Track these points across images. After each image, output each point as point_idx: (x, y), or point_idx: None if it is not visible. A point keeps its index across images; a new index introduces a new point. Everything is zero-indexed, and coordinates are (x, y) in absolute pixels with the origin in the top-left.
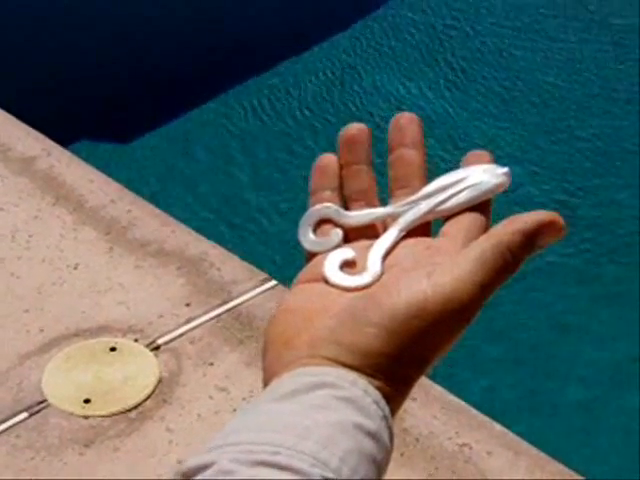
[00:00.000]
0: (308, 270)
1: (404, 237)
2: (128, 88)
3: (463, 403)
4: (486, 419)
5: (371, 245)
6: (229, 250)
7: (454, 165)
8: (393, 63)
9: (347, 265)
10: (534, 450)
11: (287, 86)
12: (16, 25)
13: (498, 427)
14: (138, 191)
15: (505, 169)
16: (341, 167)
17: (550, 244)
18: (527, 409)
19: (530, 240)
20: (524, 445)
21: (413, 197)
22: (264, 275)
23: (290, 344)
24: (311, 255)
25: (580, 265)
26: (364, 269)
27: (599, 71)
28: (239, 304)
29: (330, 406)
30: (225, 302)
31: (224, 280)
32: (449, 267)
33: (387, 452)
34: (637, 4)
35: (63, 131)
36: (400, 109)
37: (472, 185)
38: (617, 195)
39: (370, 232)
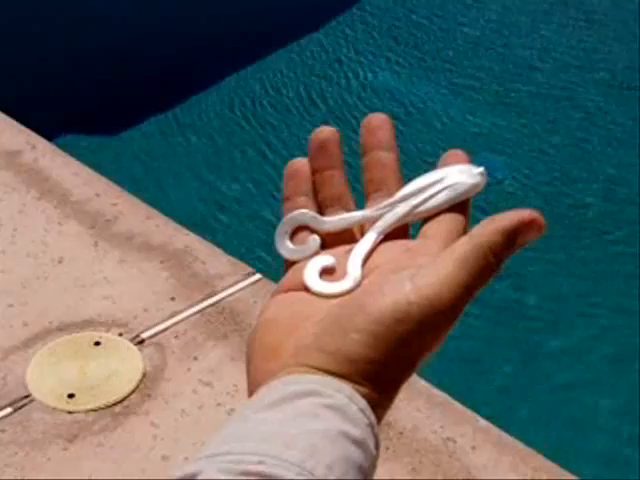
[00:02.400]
0: (288, 279)
1: (382, 240)
2: (113, 82)
3: (448, 397)
4: (470, 413)
5: (350, 250)
6: (214, 244)
7: (437, 161)
8: (377, 56)
9: (327, 272)
10: (518, 444)
11: (272, 81)
12: (0, 22)
13: (483, 421)
14: (123, 185)
15: (481, 169)
16: (313, 172)
17: (531, 242)
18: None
19: (511, 239)
20: (508, 439)
21: (390, 200)
22: (249, 269)
23: (274, 353)
24: (290, 263)
25: None
26: (345, 275)
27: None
28: (223, 298)
29: (316, 414)
30: (209, 296)
31: (209, 274)
32: (431, 270)
33: (373, 459)
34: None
35: (48, 125)
36: (384, 102)
37: (449, 186)
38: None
39: (347, 237)
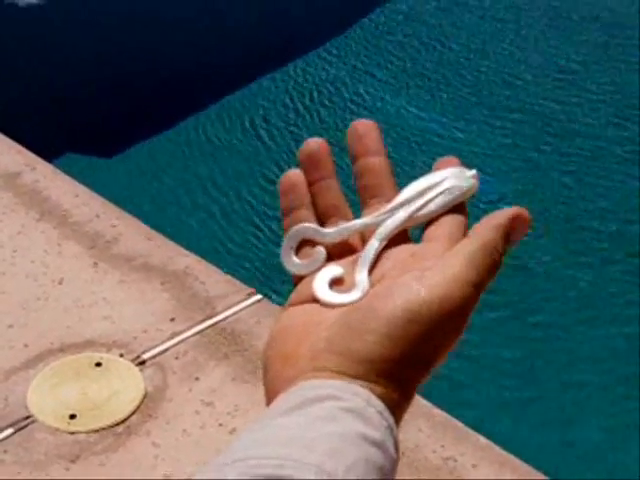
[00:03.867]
0: (298, 292)
1: (385, 246)
2: (112, 103)
3: (448, 416)
4: (471, 432)
5: (356, 259)
6: (214, 264)
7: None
8: (372, 75)
9: (336, 282)
10: (519, 462)
11: (271, 100)
12: (0, 41)
13: (483, 440)
14: (122, 206)
15: (473, 171)
16: (308, 184)
17: (520, 238)
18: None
19: (508, 235)
20: (509, 458)
21: (389, 206)
22: (249, 289)
23: (290, 360)
24: (298, 277)
25: None
26: (353, 285)
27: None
28: (224, 318)
29: (335, 417)
30: (210, 317)
31: (209, 294)
32: (439, 270)
33: (393, 462)
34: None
35: (48, 146)
36: (379, 119)
37: (446, 189)
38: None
39: (350, 245)
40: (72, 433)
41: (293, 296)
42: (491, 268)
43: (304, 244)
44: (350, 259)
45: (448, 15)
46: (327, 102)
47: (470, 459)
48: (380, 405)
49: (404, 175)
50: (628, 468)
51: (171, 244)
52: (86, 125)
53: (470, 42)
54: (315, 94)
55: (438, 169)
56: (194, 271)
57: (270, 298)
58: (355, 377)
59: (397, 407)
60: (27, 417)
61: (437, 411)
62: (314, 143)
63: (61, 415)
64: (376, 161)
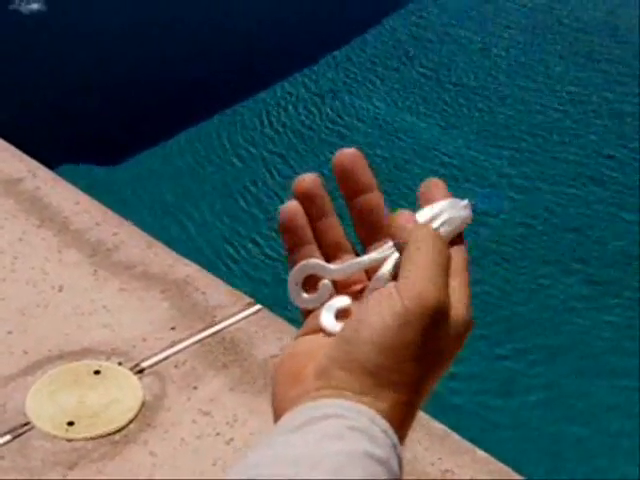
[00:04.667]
0: (307, 324)
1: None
2: (114, 112)
3: (447, 429)
4: (469, 445)
5: (361, 291)
6: (214, 274)
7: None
8: (370, 89)
9: (343, 313)
10: (516, 476)
11: (271, 109)
12: (2, 49)
13: (481, 453)
14: (123, 214)
15: (466, 201)
16: (308, 220)
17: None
18: None
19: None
20: (506, 470)
21: (392, 242)
22: (248, 299)
23: (296, 380)
24: (307, 310)
25: None
26: None
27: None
28: (223, 328)
29: (341, 436)
30: (209, 326)
31: (209, 304)
32: (411, 275)
33: (396, 479)
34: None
35: (49, 153)
36: (374, 132)
37: (445, 222)
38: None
39: (356, 277)
40: (70, 440)
41: (302, 329)
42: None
43: (310, 277)
44: (355, 289)
45: (448, 28)
46: (324, 109)
47: (468, 472)
48: (384, 424)
49: (400, 186)
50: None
51: (172, 253)
52: (88, 133)
53: (468, 57)
54: (314, 104)
55: (425, 194)
56: (194, 280)
57: (270, 308)
58: (360, 393)
59: (403, 422)
60: (25, 424)
61: (435, 424)
62: (309, 180)
63: (59, 422)
64: (371, 198)
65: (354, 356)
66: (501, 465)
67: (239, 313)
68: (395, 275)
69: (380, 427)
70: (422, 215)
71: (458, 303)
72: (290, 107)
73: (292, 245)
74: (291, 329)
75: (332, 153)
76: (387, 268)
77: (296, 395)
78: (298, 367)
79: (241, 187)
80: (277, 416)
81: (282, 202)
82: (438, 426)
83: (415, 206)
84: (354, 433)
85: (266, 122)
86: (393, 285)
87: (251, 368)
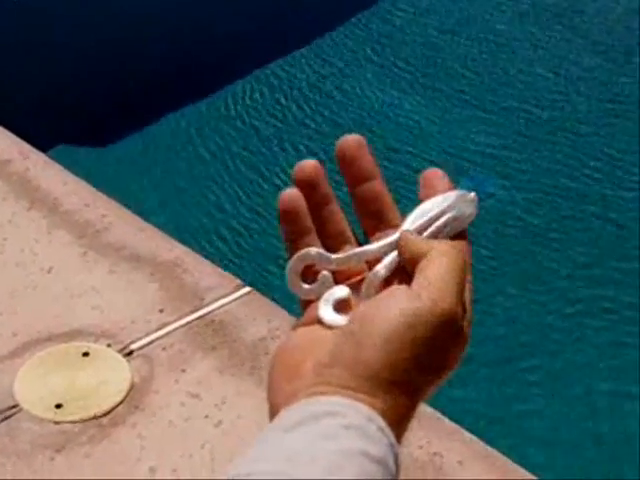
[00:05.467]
0: (306, 315)
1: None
2: (104, 94)
3: (435, 412)
4: (457, 428)
5: (361, 282)
6: (203, 256)
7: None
8: (371, 70)
9: (342, 303)
10: (505, 459)
11: (265, 92)
12: None
13: (469, 436)
14: (113, 196)
15: (472, 194)
16: (309, 208)
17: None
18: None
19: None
20: (495, 454)
21: (395, 235)
22: (238, 282)
23: (294, 374)
24: (306, 301)
25: None
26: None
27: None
28: (212, 310)
29: (337, 434)
30: (198, 308)
31: (198, 286)
32: (426, 279)
33: (393, 477)
34: None
35: (39, 134)
36: (373, 118)
37: (451, 217)
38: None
39: (356, 267)
40: (58, 423)
41: (301, 319)
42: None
43: (310, 267)
44: (355, 280)
45: (439, 14)
46: (318, 95)
47: (456, 455)
48: (381, 422)
49: (396, 172)
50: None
51: (161, 235)
52: (77, 115)
53: (462, 39)
54: (307, 88)
55: (428, 184)
56: (184, 262)
57: (259, 290)
58: (359, 391)
59: (400, 422)
60: (13, 406)
61: (423, 406)
62: (309, 166)
63: (47, 405)
64: (374, 186)
65: (358, 354)
66: (490, 449)
67: (228, 295)
68: (392, 271)
69: (377, 425)
70: (425, 208)
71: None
72: (281, 90)
73: (292, 234)
74: (281, 312)
75: (323, 136)
76: (384, 264)
77: (293, 389)
78: (296, 360)
79: (232, 168)
80: (272, 409)
81: (274, 183)
82: (426, 409)
83: (412, 192)
84: (350, 431)
85: (256, 104)
86: (407, 286)
87: (240, 350)
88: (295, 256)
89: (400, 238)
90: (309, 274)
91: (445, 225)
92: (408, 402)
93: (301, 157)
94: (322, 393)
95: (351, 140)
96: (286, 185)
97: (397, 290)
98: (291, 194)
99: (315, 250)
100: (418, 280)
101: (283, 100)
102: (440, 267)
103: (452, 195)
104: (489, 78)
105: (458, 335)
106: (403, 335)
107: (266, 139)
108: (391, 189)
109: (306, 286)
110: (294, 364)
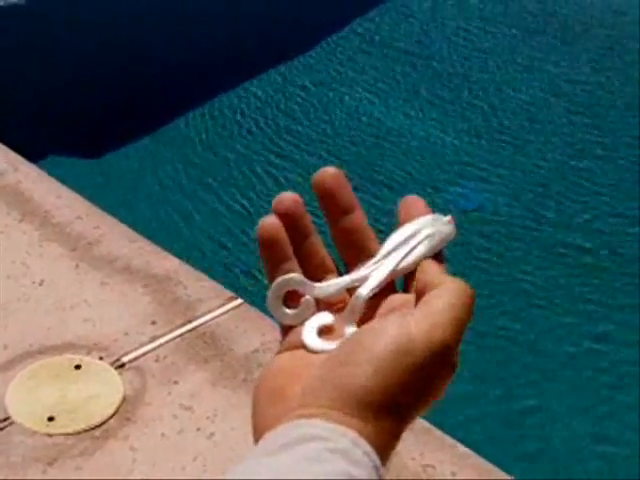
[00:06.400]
0: (289, 341)
1: (373, 297)
2: (96, 105)
3: (427, 424)
4: (450, 440)
5: (343, 308)
6: (195, 268)
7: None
8: (360, 83)
9: (325, 330)
10: (498, 471)
11: (256, 104)
12: None
13: (462, 448)
14: (105, 208)
15: (449, 217)
16: (289, 238)
17: None
18: None
19: None
20: (488, 466)
21: (374, 260)
22: (230, 294)
23: (279, 398)
24: (287, 326)
25: None
26: (342, 336)
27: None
28: (204, 323)
29: (320, 458)
30: (190, 321)
31: (190, 298)
32: (425, 308)
33: None
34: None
35: (31, 147)
36: (363, 127)
37: (427, 237)
38: None
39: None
40: (50, 435)
41: (283, 344)
42: (469, 307)
43: (292, 292)
44: (337, 307)
45: (433, 23)
46: (316, 102)
47: (449, 467)
48: (366, 446)
49: (385, 185)
50: None
51: (153, 247)
52: (70, 126)
53: (456, 51)
54: (303, 96)
55: (406, 210)
56: (176, 275)
57: (251, 303)
58: (347, 414)
59: (386, 446)
60: (5, 419)
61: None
62: (288, 200)
63: (39, 417)
64: (353, 218)
65: (346, 379)
66: (482, 460)
67: (220, 307)
68: (374, 292)
69: (362, 449)
70: (403, 231)
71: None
72: (275, 99)
73: (272, 261)
74: (273, 324)
75: (314, 146)
76: (368, 286)
77: (277, 413)
78: (281, 384)
79: (225, 181)
80: (256, 433)
81: (270, 193)
82: (418, 420)
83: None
84: (334, 455)
85: (250, 115)
86: (403, 314)
87: (232, 363)
88: (277, 281)
89: (420, 265)
90: (291, 299)
91: (417, 245)
92: (394, 427)
93: (295, 166)
94: (308, 416)
95: (329, 173)
96: (289, 185)
97: (391, 317)
98: (269, 222)
99: (298, 276)
100: (420, 309)
101: (276, 109)
102: (444, 301)
103: (426, 218)
104: (488, 94)
105: (448, 366)
106: (394, 362)
107: (265, 147)
108: (381, 198)
109: (288, 311)
110: (278, 388)
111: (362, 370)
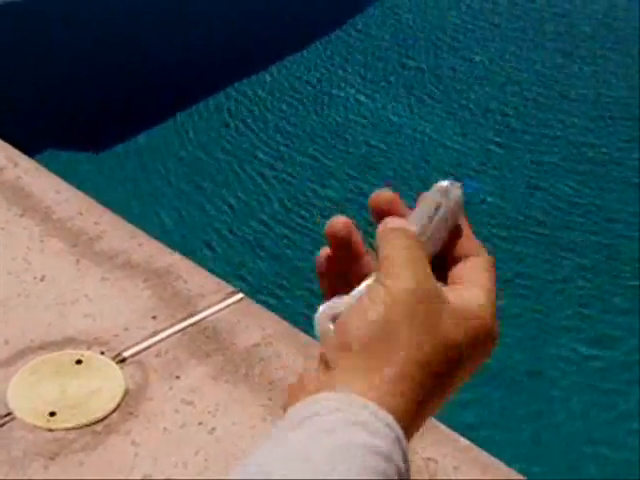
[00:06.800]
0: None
1: None
2: (96, 100)
3: (431, 418)
4: (452, 434)
5: None
6: (196, 263)
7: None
8: (360, 78)
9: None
10: (500, 465)
11: (259, 97)
12: None
13: (464, 442)
14: (106, 203)
15: (445, 183)
16: (341, 259)
17: None
18: None
19: None
20: (490, 460)
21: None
22: (231, 288)
23: (301, 387)
24: None
25: None
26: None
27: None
28: (205, 317)
29: (338, 429)
30: (191, 315)
31: (191, 293)
32: (385, 269)
33: (400, 472)
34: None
35: (30, 142)
36: (364, 123)
37: (439, 215)
38: None
39: None
40: (51, 430)
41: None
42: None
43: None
44: None
45: (433, 17)
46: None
47: (451, 461)
48: (387, 417)
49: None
50: None
51: (154, 242)
52: (70, 121)
53: (455, 44)
54: (305, 91)
55: (380, 209)
56: (177, 269)
57: (252, 297)
58: (366, 387)
59: (411, 421)
60: (6, 414)
61: None
62: (339, 223)
63: (41, 412)
64: (363, 265)
65: (349, 341)
66: (485, 454)
67: (221, 302)
68: None
69: (382, 421)
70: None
71: (468, 298)
72: (275, 96)
73: (326, 287)
74: (274, 318)
75: (319, 142)
76: (360, 287)
77: (303, 392)
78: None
79: (226, 176)
80: (289, 402)
81: (267, 189)
82: None
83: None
84: (353, 427)
85: (250, 111)
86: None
87: (233, 357)
88: (324, 306)
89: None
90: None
91: (436, 229)
92: (418, 399)
93: (298, 161)
94: (327, 390)
95: (339, 224)
96: (281, 184)
97: (362, 292)
98: (322, 256)
99: (343, 299)
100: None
101: (283, 103)
102: (487, 276)
103: (426, 194)
104: (482, 81)
105: (451, 317)
106: (380, 318)
107: (265, 141)
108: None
109: (332, 327)
110: (302, 382)
111: (359, 333)
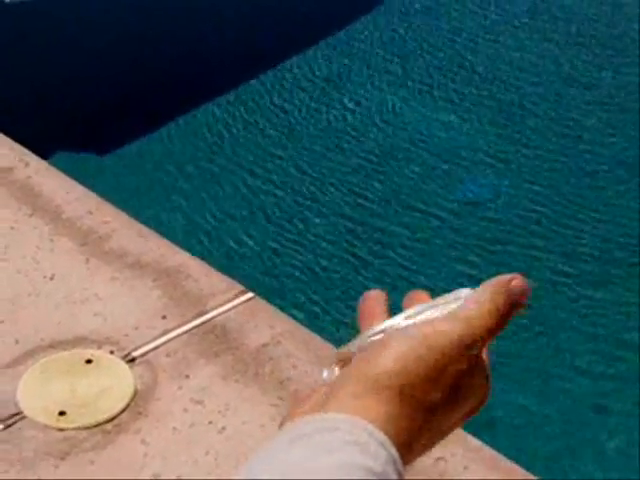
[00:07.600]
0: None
1: None
2: (106, 100)
3: None
4: (462, 433)
5: None
6: (206, 262)
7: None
8: (369, 77)
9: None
10: (510, 464)
11: (265, 99)
12: None
13: (474, 441)
14: (116, 203)
15: (465, 290)
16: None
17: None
18: None
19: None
20: (500, 459)
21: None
22: (240, 287)
23: (306, 398)
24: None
25: None
26: None
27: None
28: (215, 317)
29: (334, 449)
30: (201, 314)
31: (201, 292)
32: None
33: None
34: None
35: (41, 142)
36: (372, 121)
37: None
38: None
39: None
40: (61, 430)
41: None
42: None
43: None
44: None
45: (447, 17)
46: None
47: (461, 460)
48: (382, 437)
49: (398, 174)
50: None
51: (164, 241)
52: (80, 121)
53: (472, 43)
54: (313, 90)
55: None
56: (186, 269)
57: (262, 297)
58: (365, 408)
59: (408, 447)
60: (16, 414)
61: None
62: (369, 298)
63: (51, 412)
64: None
65: (368, 370)
66: (494, 453)
67: (231, 301)
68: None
69: (377, 441)
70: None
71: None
72: (287, 93)
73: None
74: (283, 318)
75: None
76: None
77: (303, 411)
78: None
79: (236, 175)
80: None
81: (278, 189)
82: None
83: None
84: (349, 447)
85: (261, 108)
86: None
87: (243, 357)
88: (343, 346)
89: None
90: None
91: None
92: (414, 414)
93: (302, 158)
94: (327, 410)
95: (372, 296)
96: (290, 188)
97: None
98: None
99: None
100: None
101: (289, 102)
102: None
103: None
104: (495, 81)
105: (464, 360)
106: (408, 354)
107: (275, 140)
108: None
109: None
110: (306, 395)
111: (381, 362)
